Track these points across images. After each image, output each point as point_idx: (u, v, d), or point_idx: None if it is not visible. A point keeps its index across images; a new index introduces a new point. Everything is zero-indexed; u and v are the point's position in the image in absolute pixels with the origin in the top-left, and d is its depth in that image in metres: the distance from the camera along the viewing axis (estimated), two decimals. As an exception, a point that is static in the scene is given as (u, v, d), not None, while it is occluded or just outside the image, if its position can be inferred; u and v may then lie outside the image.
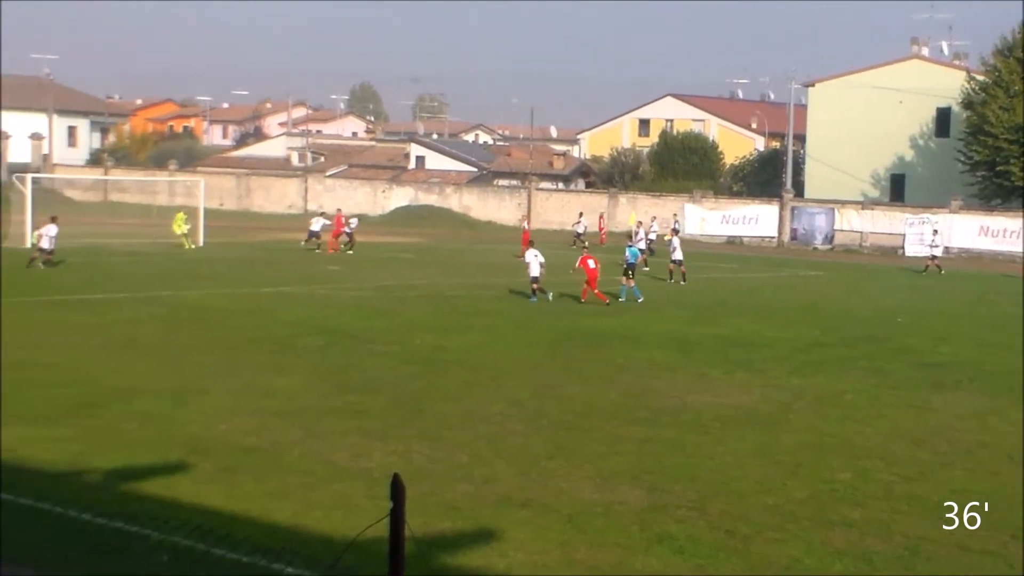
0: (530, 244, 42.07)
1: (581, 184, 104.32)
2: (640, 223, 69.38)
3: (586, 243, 66.29)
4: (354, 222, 62.52)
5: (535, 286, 40.08)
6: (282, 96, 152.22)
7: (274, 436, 19.11)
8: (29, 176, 61.71)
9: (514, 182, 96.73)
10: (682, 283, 49.07)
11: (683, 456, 18.79)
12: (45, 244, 46.66)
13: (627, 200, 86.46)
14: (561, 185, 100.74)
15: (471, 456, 18.27)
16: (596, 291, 39.73)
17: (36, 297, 36.22)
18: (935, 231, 66.41)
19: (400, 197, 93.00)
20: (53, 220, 47.91)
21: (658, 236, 60.52)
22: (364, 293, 41.38)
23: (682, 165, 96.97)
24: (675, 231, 57.72)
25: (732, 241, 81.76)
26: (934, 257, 61.38)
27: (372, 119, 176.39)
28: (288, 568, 12.28)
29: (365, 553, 12.14)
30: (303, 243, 59.86)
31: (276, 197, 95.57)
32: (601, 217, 77.33)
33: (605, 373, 26.31)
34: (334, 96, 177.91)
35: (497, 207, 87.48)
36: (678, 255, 50.36)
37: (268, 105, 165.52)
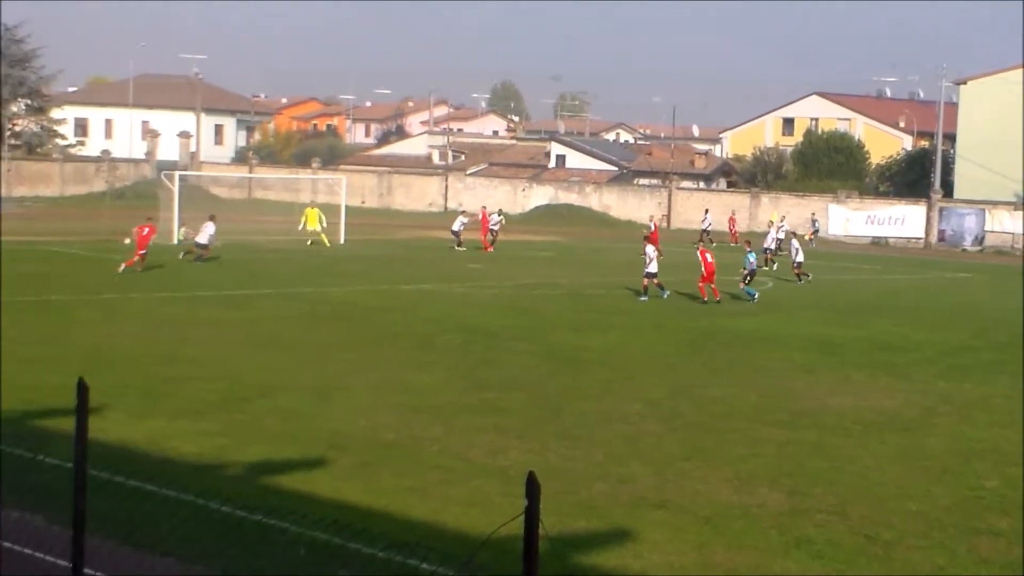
0: (647, 241, 41.60)
1: (723, 183, 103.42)
2: (771, 223, 68.44)
3: (712, 241, 65.82)
4: (496, 218, 62.35)
5: (652, 282, 39.85)
6: (424, 95, 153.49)
7: (413, 432, 19.23)
8: (177, 173, 63.13)
9: (654, 181, 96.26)
10: (798, 282, 48.20)
11: (824, 459, 18.47)
12: (203, 239, 47.60)
13: (769, 200, 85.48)
14: (702, 184, 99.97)
15: (607, 455, 18.18)
16: (713, 286, 39.34)
17: (182, 293, 37.00)
18: None
19: (540, 196, 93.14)
20: (212, 218, 48.96)
21: (786, 235, 59.38)
22: (503, 291, 41.50)
23: (827, 165, 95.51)
24: (794, 233, 56.68)
25: (877, 242, 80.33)
26: None
27: (513, 118, 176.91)
28: (423, 564, 12.31)
29: (500, 551, 12.11)
30: (456, 246, 59.31)
31: (417, 195, 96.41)
32: (732, 217, 76.36)
33: (745, 374, 26.02)
34: (475, 95, 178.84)
35: (637, 206, 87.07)
36: (800, 257, 49.45)
37: (410, 104, 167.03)
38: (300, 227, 58.70)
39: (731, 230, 72.22)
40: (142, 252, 43.31)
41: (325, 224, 59.14)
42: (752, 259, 41.43)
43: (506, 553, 11.38)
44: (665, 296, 39.72)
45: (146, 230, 44.04)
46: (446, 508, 15.11)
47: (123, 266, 42.35)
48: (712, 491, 16.44)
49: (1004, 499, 16.59)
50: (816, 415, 21.84)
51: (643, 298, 39.39)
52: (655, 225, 62.60)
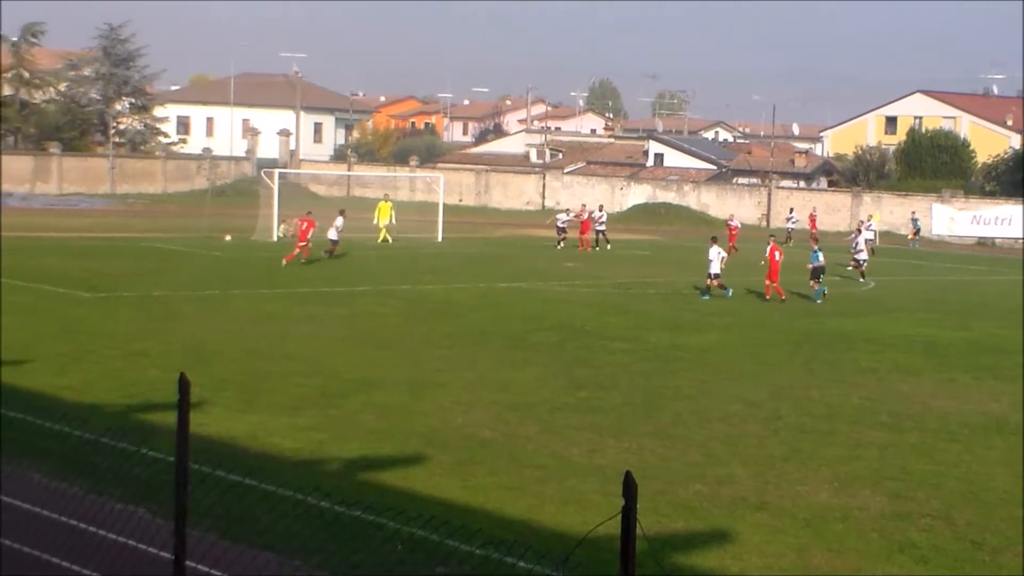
0: (714, 240, 41.11)
1: (823, 183, 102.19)
2: (861, 222, 67.41)
3: (789, 239, 65.29)
4: (597, 214, 61.56)
5: (713, 282, 39.53)
6: (522, 93, 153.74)
7: (509, 430, 19.20)
8: (276, 171, 63.70)
9: (754, 180, 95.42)
10: (860, 280, 47.37)
11: (928, 463, 18.14)
12: (333, 235, 48.17)
13: (871, 199, 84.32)
14: (803, 184, 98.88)
15: (705, 456, 18.01)
16: (776, 285, 38.95)
17: (282, 289, 37.33)
18: None
19: (638, 194, 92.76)
20: (341, 213, 49.50)
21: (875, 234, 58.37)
22: (600, 290, 41.36)
23: (930, 164, 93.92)
24: (859, 230, 55.59)
25: (983, 242, 78.90)
26: None
27: (611, 116, 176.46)
28: (520, 562, 12.23)
29: (596, 549, 12.06)
30: (558, 245, 59.08)
31: (514, 193, 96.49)
32: (812, 215, 75.41)
33: (847, 376, 25.66)
34: (573, 93, 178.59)
35: (736, 205, 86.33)
36: (863, 256, 48.56)
37: (508, 102, 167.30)
38: (374, 221, 58.68)
39: (811, 228, 71.43)
40: (302, 244, 44.98)
41: (394, 220, 58.77)
42: (819, 257, 40.17)
43: (603, 552, 11.33)
44: (728, 295, 39.40)
45: (305, 224, 45.83)
46: (542, 506, 15.06)
47: (285, 260, 43.93)
48: (812, 493, 16.22)
49: (1116, 506, 16.15)
50: (919, 418, 21.46)
51: (705, 296, 39.21)
52: (730, 226, 61.10)
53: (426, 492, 15.42)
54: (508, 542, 12.51)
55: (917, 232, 77.04)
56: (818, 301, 38.91)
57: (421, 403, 20.98)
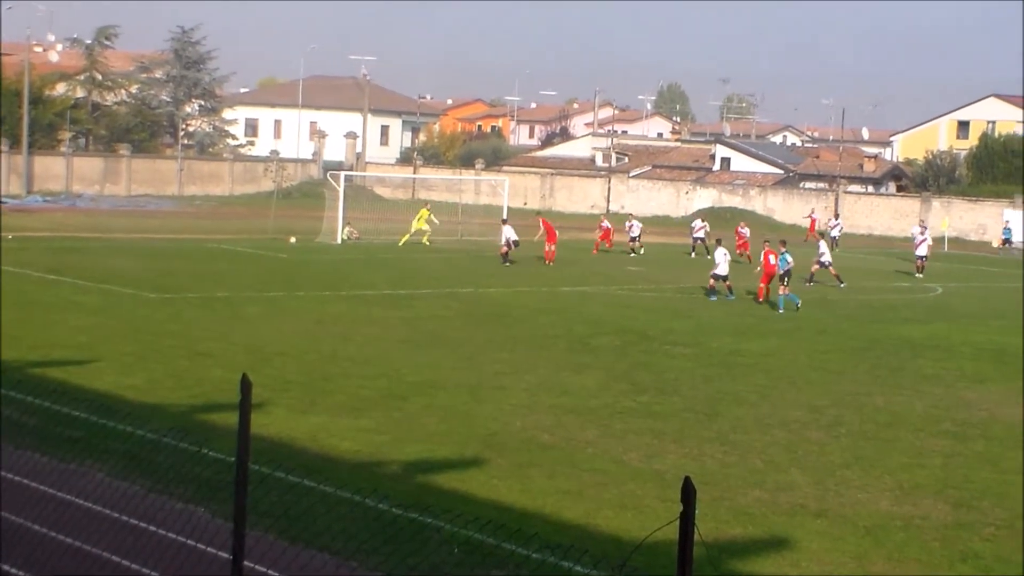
0: (718, 243, 40.80)
1: (892, 187, 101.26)
2: (922, 222, 66.61)
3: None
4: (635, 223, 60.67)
5: (715, 283, 39.43)
6: (589, 97, 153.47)
7: (569, 434, 19.18)
8: (343, 174, 64.08)
9: (821, 184, 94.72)
10: (841, 285, 45.95)
11: (993, 471, 17.92)
12: (506, 241, 49.23)
13: (940, 204, 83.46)
14: (871, 188, 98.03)
15: (765, 462, 17.89)
16: (766, 286, 38.92)
17: (345, 292, 37.53)
18: None
19: (703, 198, 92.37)
20: (504, 222, 50.63)
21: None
22: (663, 294, 41.23)
23: (1003, 169, 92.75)
24: (821, 234, 54.57)
25: (1054, 249, 77.77)
26: None
27: (678, 120, 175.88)
28: (576, 566, 12.23)
29: (654, 555, 12.03)
30: (632, 253, 58.46)
31: (579, 197, 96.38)
32: (811, 216, 74.94)
33: (912, 382, 25.41)
34: (641, 96, 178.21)
35: (802, 210, 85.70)
36: (826, 258, 47.16)
37: (575, 105, 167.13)
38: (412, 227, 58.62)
39: (810, 228, 70.88)
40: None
41: (425, 227, 58.35)
42: (787, 259, 37.95)
43: (660, 557, 11.28)
44: (731, 298, 39.22)
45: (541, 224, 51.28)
46: (600, 511, 15.03)
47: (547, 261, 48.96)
48: (873, 501, 16.07)
49: None
50: (986, 426, 21.22)
51: (712, 297, 39.23)
52: (740, 233, 59.00)
53: (484, 495, 15.44)
54: (564, 546, 12.49)
55: (1008, 241, 76.00)
56: (780, 310, 37.00)
57: (481, 406, 21.02)
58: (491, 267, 48.05)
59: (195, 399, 20.11)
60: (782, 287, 37.83)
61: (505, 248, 49.16)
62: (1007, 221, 78.05)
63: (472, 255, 53.73)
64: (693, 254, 58.79)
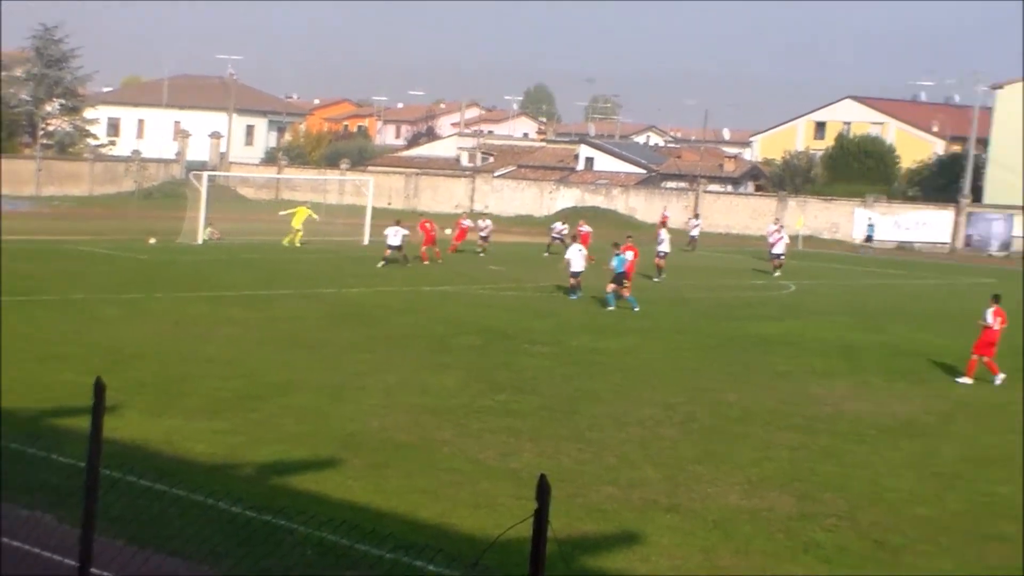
0: (575, 239, 41.32)
1: (750, 187, 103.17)
2: (777, 220, 68.34)
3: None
4: (482, 223, 60.46)
5: (573, 281, 39.80)
6: (456, 97, 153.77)
7: (426, 433, 19.29)
8: (205, 174, 63.37)
9: (682, 184, 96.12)
10: (656, 279, 47.49)
11: (836, 465, 18.46)
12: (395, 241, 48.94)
13: (796, 204, 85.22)
14: (730, 188, 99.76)
15: (620, 459, 18.20)
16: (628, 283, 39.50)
17: (205, 293, 37.16)
18: None
19: (566, 198, 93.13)
20: (398, 223, 50.10)
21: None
22: (523, 293, 41.53)
23: (856, 169, 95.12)
24: (662, 223, 55.37)
25: (903, 247, 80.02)
26: None
27: (544, 120, 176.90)
28: (430, 565, 12.36)
29: (507, 552, 12.19)
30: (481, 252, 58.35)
31: (443, 197, 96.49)
32: (663, 216, 76.68)
33: (763, 379, 26.00)
34: (508, 97, 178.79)
35: (664, 209, 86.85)
36: (664, 247, 48.62)
37: (442, 105, 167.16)
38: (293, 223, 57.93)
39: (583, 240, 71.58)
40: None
41: (300, 227, 57.89)
42: (622, 261, 38.17)
43: (513, 555, 11.45)
44: (575, 297, 39.40)
45: (428, 224, 52.23)
46: (455, 510, 15.16)
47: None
48: (722, 495, 16.46)
49: (1016, 505, 16.56)
50: (832, 420, 21.82)
51: (573, 296, 39.50)
52: (580, 232, 59.20)
53: (339, 496, 15.47)
54: (419, 546, 12.61)
55: (869, 239, 77.94)
56: (610, 307, 37.16)
57: (339, 407, 21.02)
58: (354, 267, 47.91)
59: (45, 404, 19.75)
60: (611, 286, 37.88)
61: (388, 251, 48.90)
62: (870, 219, 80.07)
63: (336, 255, 53.50)
64: (547, 253, 59.01)
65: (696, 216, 76.14)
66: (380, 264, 47.97)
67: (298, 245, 56.59)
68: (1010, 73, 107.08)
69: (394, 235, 48.95)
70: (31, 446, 15.60)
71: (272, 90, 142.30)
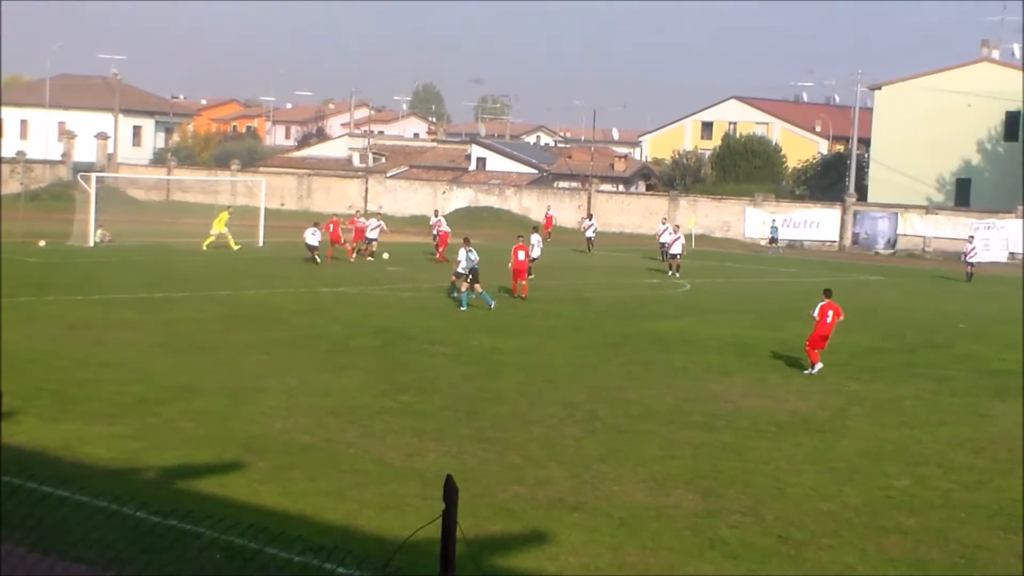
0: (465, 242, 41.25)
1: (642, 187, 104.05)
2: (664, 220, 69.26)
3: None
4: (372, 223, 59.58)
5: (456, 280, 38.93)
6: (345, 97, 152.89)
7: (329, 435, 19.19)
8: (94, 175, 62.35)
9: (574, 184, 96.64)
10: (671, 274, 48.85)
11: (738, 461, 18.68)
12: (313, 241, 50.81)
13: (687, 203, 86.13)
14: (622, 188, 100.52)
15: (524, 458, 18.26)
16: (524, 283, 40.77)
17: (98, 296, 36.59)
18: (971, 237, 65.82)
19: (460, 198, 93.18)
20: (316, 224, 52.19)
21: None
22: (422, 294, 41.48)
23: (744, 168, 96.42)
24: (535, 228, 54.52)
25: (792, 245, 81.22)
26: (970, 264, 60.40)
27: (434, 120, 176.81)
28: (339, 568, 12.28)
29: (416, 553, 12.15)
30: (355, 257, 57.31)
31: (336, 197, 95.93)
32: (548, 214, 77.67)
33: (662, 377, 26.23)
34: (397, 97, 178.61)
35: (557, 209, 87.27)
36: (536, 252, 47.47)
37: (331, 106, 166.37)
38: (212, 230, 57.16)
39: (547, 226, 72.55)
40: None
41: (225, 229, 56.92)
42: (470, 257, 37.93)
43: (423, 556, 11.42)
44: (454, 295, 38.75)
45: (331, 226, 54.15)
46: (362, 511, 15.11)
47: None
48: (628, 493, 16.57)
49: (913, 498, 16.91)
50: (731, 417, 22.07)
51: (456, 294, 38.58)
52: (440, 231, 58.74)
53: (244, 499, 15.34)
54: (327, 548, 12.52)
55: (774, 240, 79.03)
56: (463, 308, 36.88)
57: (240, 409, 20.83)
58: (249, 269, 47.47)
59: (-61, 410, 19.33)
60: (465, 284, 37.66)
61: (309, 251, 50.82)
62: (774, 220, 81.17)
63: (230, 257, 52.95)
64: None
65: (590, 216, 76.44)
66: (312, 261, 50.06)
67: (235, 247, 55.76)
68: (888, 74, 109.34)
69: (311, 235, 51.05)
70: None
71: (158, 90, 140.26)
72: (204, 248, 55.47)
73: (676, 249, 54.58)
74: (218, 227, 56.88)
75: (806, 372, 27.38)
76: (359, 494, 15.86)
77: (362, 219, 59.59)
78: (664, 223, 65.70)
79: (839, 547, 14.61)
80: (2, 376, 21.26)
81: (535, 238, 47.90)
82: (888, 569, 13.95)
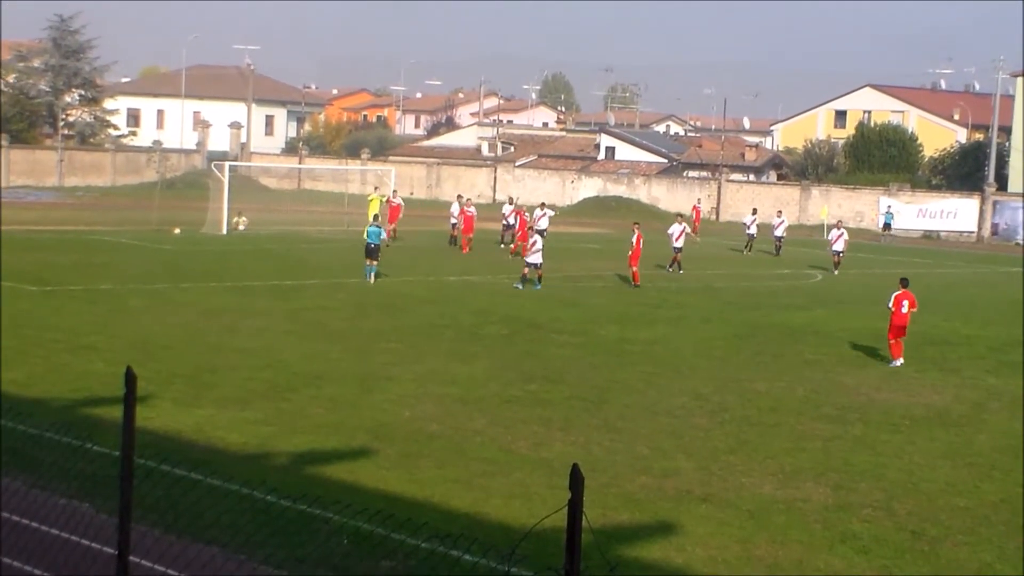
0: (533, 232, 40.93)
1: (773, 176, 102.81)
2: (752, 211, 67.39)
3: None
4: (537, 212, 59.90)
5: (535, 271, 39.23)
6: (475, 86, 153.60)
7: (457, 423, 19.25)
8: (227, 164, 63.38)
9: (704, 173, 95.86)
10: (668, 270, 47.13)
11: (871, 455, 18.35)
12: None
13: (819, 193, 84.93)
14: (752, 177, 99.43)
15: (652, 449, 18.12)
16: (634, 270, 40.65)
17: (232, 283, 37.17)
18: None
19: (589, 187, 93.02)
20: (542, 206, 55.13)
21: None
22: (550, 283, 41.34)
23: (879, 157, 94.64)
24: (680, 217, 52.86)
25: (929, 236, 79.67)
26: None
27: (563, 109, 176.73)
28: (465, 555, 12.30)
29: (542, 542, 12.13)
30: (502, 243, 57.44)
31: (465, 186, 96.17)
32: (696, 206, 75.48)
33: (793, 368, 25.88)
34: (526, 86, 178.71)
35: (686, 198, 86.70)
36: (678, 243, 47.20)
37: (460, 95, 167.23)
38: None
39: (696, 218, 69.05)
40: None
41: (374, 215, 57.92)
42: (374, 232, 39.61)
43: (548, 544, 11.39)
44: (518, 287, 38.69)
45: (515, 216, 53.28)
46: (489, 499, 15.12)
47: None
48: (757, 485, 16.37)
49: (1053, 496, 16.42)
50: (864, 410, 21.69)
51: (518, 285, 38.80)
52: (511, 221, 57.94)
53: (372, 486, 15.45)
54: (454, 535, 12.51)
55: (888, 226, 77.36)
56: (370, 279, 38.36)
57: (370, 397, 21.00)
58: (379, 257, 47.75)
59: (78, 393, 19.81)
60: (369, 260, 38.91)
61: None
62: (888, 207, 79.69)
63: (359, 245, 53.34)
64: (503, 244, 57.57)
65: (779, 214, 68.81)
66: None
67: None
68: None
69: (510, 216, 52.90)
70: (65, 435, 15.61)
71: (290, 80, 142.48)
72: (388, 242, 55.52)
73: (839, 246, 52.06)
74: (373, 210, 57.03)
75: (890, 365, 26.71)
76: (486, 482, 15.88)
77: (398, 199, 59.69)
78: (754, 213, 63.88)
79: (976, 544, 14.25)
80: (135, 361, 21.68)
81: (675, 227, 47.25)
82: (1027, 568, 13.58)
